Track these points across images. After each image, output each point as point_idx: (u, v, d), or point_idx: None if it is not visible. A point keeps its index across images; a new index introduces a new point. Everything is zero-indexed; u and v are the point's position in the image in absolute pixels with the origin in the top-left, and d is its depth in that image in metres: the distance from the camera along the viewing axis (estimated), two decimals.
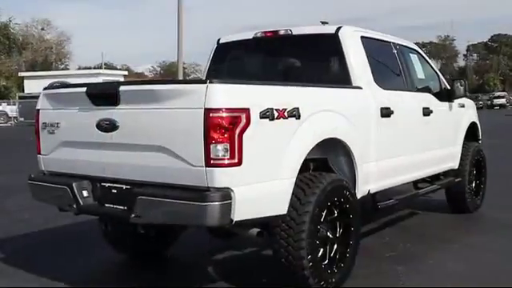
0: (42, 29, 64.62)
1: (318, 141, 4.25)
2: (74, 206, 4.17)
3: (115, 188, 4.07)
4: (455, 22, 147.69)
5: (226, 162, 3.55)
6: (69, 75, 41.76)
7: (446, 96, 6.60)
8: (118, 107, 3.92)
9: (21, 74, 48.44)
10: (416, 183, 6.29)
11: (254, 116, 3.69)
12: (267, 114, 3.80)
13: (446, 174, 6.81)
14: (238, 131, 3.58)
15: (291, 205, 4.02)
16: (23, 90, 42.65)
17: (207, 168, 3.54)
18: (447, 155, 6.71)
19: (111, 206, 4.10)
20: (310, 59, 5.52)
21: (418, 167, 5.97)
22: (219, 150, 3.53)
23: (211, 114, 3.51)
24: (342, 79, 5.01)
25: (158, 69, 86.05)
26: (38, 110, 4.54)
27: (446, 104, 6.63)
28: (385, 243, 5.84)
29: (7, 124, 37.19)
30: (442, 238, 6.10)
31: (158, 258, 5.36)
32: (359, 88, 5.00)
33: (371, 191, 5.06)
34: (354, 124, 4.72)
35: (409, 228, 6.58)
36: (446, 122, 6.63)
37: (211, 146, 3.52)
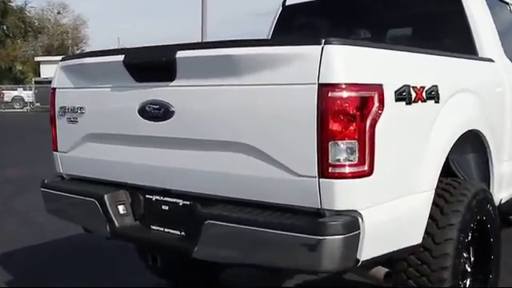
0: (58, 12, 63.56)
1: (461, 133, 2.92)
2: (106, 227, 2.87)
3: (167, 203, 2.77)
4: None
5: (352, 170, 2.23)
6: None
7: None
8: (174, 84, 2.60)
9: (37, 58, 47.62)
10: None
11: (389, 97, 2.36)
12: (403, 95, 2.46)
13: None
14: (369, 121, 2.25)
15: (425, 229, 2.70)
16: (39, 75, 41.83)
17: (322, 180, 2.22)
18: None
19: (160, 229, 2.80)
20: (413, 21, 4.16)
21: None
22: (342, 150, 2.20)
23: (330, 94, 2.18)
24: (462, 48, 3.63)
25: None
26: (54, 89, 3.23)
27: None
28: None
29: (23, 109, 36.33)
30: None
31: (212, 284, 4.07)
32: (491, 61, 3.63)
33: (502, 200, 3.71)
34: (489, 109, 3.38)
35: None
36: None
37: (330, 145, 2.19)
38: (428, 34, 3.99)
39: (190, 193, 2.64)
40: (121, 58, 2.74)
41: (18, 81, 47.49)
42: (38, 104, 33.64)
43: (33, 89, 36.59)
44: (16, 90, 39.78)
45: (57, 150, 3.24)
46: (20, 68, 51.67)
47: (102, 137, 2.98)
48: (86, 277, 4.27)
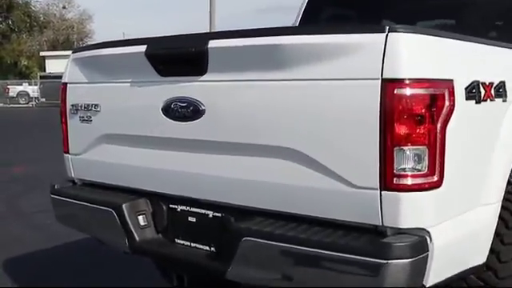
0: (64, 7, 63.26)
1: None
2: (125, 240, 2.53)
3: (195, 215, 2.43)
4: None
5: (420, 181, 1.88)
6: None
7: None
8: (205, 78, 2.25)
9: (42, 53, 47.22)
10: None
11: (459, 95, 2.01)
12: (473, 92, 2.11)
13: None
14: (439, 123, 1.91)
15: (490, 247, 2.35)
16: (44, 70, 41.57)
17: (385, 192, 1.87)
18: None
19: (186, 243, 2.46)
20: (454, 9, 3.80)
21: None
22: (409, 158, 1.86)
23: (396, 91, 1.84)
24: None
25: None
26: (65, 84, 2.89)
27: None
28: None
29: (28, 105, 36.08)
30: None
31: None
32: None
33: None
34: None
35: None
36: None
37: (395, 152, 1.85)
38: (472, 23, 3.63)
39: (222, 203, 2.30)
40: (142, 48, 2.40)
41: (24, 76, 47.39)
42: (44, 99, 33.36)
43: (38, 84, 36.30)
44: (21, 84, 39.62)
45: (68, 152, 2.91)
46: (25, 63, 51.53)
47: (120, 138, 2.64)
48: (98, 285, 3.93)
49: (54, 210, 2.95)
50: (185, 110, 2.30)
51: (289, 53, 2.02)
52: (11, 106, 34.73)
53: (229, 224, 2.20)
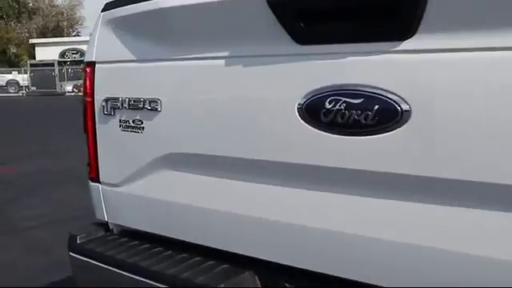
0: None
1: None
2: None
3: None
4: None
5: None
6: (81, 42, 39.86)
7: None
8: (409, 47, 1.06)
9: (31, 40, 46.17)
10: None
11: None
12: None
13: None
14: None
15: None
16: (34, 58, 40.61)
17: None
18: None
19: None
20: None
21: None
22: None
23: None
24: None
25: None
26: (92, 64, 1.68)
27: None
28: None
29: (18, 94, 35.00)
30: None
31: None
32: None
33: None
34: None
35: None
36: None
37: None
38: None
39: None
40: None
41: (13, 64, 46.59)
42: (34, 88, 32.71)
43: (28, 72, 35.34)
44: (10, 73, 38.91)
45: (97, 180, 1.71)
46: (14, 51, 51.23)
47: (202, 163, 1.45)
48: None
49: (75, 275, 1.76)
50: (359, 113, 1.11)
51: None
52: (0, 95, 33.80)
53: None
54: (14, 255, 4.25)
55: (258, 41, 1.24)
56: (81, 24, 67.56)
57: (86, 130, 1.72)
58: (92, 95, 1.67)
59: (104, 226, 1.77)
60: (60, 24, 61.68)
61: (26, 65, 38.87)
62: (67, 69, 33.60)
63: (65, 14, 62.52)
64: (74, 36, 58.27)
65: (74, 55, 39.67)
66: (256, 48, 1.26)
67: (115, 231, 1.76)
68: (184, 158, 1.48)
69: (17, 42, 51.91)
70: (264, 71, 1.26)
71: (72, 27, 66.08)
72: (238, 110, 1.32)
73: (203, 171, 1.46)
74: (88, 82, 1.68)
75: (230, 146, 1.37)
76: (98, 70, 1.66)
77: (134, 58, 1.54)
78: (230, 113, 1.34)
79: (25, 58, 47.41)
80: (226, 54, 1.31)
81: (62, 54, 40.12)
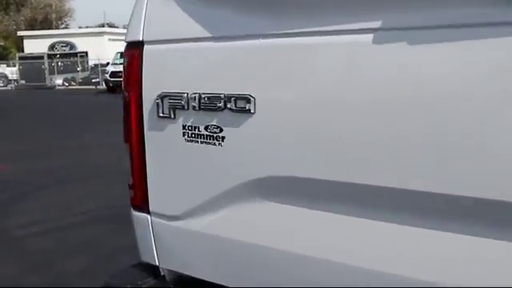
0: None
1: None
2: None
3: None
4: None
5: None
6: (71, 34, 40.09)
7: None
8: None
9: (20, 33, 45.72)
10: None
11: None
12: None
13: None
14: None
15: None
16: (23, 51, 40.08)
17: None
18: None
19: None
20: None
21: None
22: None
23: None
24: None
25: None
26: (139, 45, 1.18)
27: None
28: None
29: (7, 87, 34.50)
30: None
31: None
32: None
33: None
34: None
35: None
36: None
37: None
38: None
39: None
40: None
41: (1, 57, 46.19)
42: (23, 81, 32.19)
43: (17, 65, 34.88)
44: None
45: (147, 210, 1.21)
46: (2, 43, 51.09)
47: (316, 191, 0.95)
48: None
49: None
50: None
51: None
52: None
53: None
54: (7, 268, 3.76)
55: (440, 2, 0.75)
56: (70, 16, 67.12)
57: (127, 139, 1.22)
58: (138, 89, 1.17)
59: (152, 270, 1.28)
60: (49, 16, 61.15)
61: (15, 58, 38.47)
62: (57, 62, 32.99)
63: (53, 6, 61.97)
64: (62, 28, 58.00)
65: (64, 48, 39.09)
66: (438, 15, 0.76)
67: (168, 279, 1.26)
68: (288, 185, 0.98)
69: (4, 34, 51.69)
70: (457, 51, 0.77)
71: (61, 19, 65.64)
72: (395, 115, 0.83)
73: (316, 204, 0.97)
74: (132, 70, 1.18)
75: (368, 170, 0.88)
76: (148, 54, 1.16)
77: (209, 35, 1.04)
78: (375, 120, 0.85)
79: (13, 50, 47.11)
80: (376, 24, 0.81)
81: (52, 47, 39.50)
